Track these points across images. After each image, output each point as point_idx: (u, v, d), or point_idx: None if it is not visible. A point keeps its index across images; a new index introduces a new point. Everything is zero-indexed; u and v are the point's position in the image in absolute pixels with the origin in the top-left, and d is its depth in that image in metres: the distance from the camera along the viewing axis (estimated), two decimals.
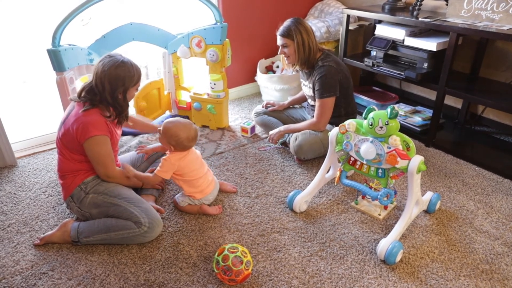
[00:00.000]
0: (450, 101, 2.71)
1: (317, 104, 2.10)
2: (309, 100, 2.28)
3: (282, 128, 2.26)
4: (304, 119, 2.38)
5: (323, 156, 2.20)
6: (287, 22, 2.06)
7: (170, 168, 1.69)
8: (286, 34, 2.05)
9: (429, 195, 1.79)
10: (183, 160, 1.70)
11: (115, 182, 1.68)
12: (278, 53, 2.17)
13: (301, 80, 2.30)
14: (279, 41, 2.09)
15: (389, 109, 1.48)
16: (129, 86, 1.59)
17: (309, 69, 2.13)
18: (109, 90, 1.55)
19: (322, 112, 2.09)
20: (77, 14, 1.94)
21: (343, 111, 2.18)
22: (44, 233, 1.68)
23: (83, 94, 1.59)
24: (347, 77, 2.11)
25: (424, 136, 2.44)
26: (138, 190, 1.87)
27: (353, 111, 2.23)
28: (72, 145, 1.59)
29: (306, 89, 2.24)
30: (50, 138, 2.41)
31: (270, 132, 2.29)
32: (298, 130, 2.18)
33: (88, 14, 2.32)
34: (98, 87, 1.55)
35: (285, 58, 2.15)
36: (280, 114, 2.47)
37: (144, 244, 1.62)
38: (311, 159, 2.23)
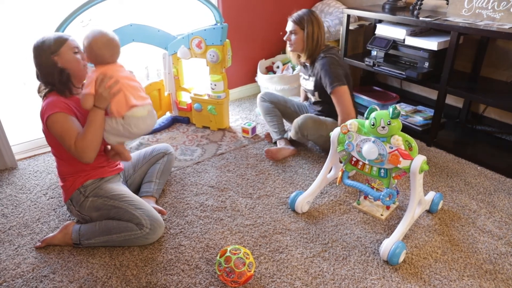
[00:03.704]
0: (451, 100, 2.70)
1: (333, 98, 2.02)
2: (310, 96, 2.26)
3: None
4: None
5: (324, 147, 2.18)
6: (302, 11, 2.06)
7: (91, 81, 1.47)
8: (298, 22, 2.04)
9: (431, 195, 1.79)
10: (105, 71, 1.49)
11: (89, 150, 1.49)
12: (284, 38, 2.14)
13: (301, 74, 2.28)
14: (289, 26, 2.08)
15: (391, 109, 1.47)
16: (54, 50, 1.49)
17: (311, 63, 2.12)
18: (45, 68, 1.51)
19: (342, 103, 2.00)
20: (77, 15, 1.94)
21: None
22: (45, 236, 1.67)
23: (41, 89, 1.58)
24: (348, 74, 2.09)
25: (425, 135, 2.43)
26: (138, 192, 1.87)
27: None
28: (50, 138, 1.57)
29: (306, 83, 2.21)
30: None
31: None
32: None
33: (88, 15, 2.32)
34: (39, 75, 1.54)
35: (288, 45, 2.13)
36: (285, 108, 2.41)
37: (145, 246, 1.61)
38: (308, 160, 2.22)
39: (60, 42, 1.51)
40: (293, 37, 2.08)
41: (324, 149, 2.29)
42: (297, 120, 2.14)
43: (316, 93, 2.16)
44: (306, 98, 2.45)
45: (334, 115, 2.16)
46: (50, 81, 1.53)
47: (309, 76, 2.18)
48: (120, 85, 1.50)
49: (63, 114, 1.49)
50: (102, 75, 1.47)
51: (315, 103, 2.26)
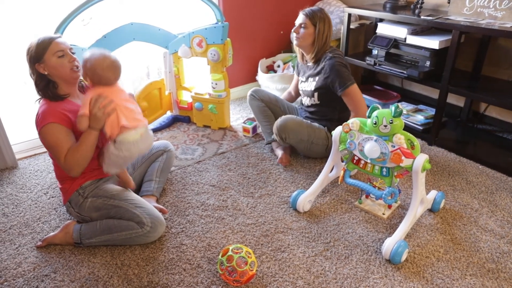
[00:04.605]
0: (453, 99, 2.70)
1: (345, 98, 2.01)
2: (304, 99, 2.21)
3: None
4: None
5: (305, 152, 2.15)
6: (315, 7, 2.04)
7: (86, 102, 1.46)
8: (310, 16, 2.01)
9: (433, 193, 1.78)
10: (102, 92, 1.48)
11: (77, 167, 1.50)
12: (293, 30, 2.09)
13: (300, 77, 2.24)
14: (300, 19, 2.04)
15: (393, 108, 1.47)
16: (38, 58, 1.47)
17: (315, 62, 2.10)
18: (33, 76, 1.52)
19: (355, 100, 1.99)
20: (78, 14, 1.94)
21: (337, 115, 2.13)
22: (46, 235, 1.66)
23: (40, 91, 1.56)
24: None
25: (426, 134, 2.43)
26: (139, 191, 1.86)
27: (348, 118, 2.10)
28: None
29: (305, 84, 2.17)
30: None
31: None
32: None
33: (88, 14, 2.31)
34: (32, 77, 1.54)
35: (295, 38, 2.08)
36: (275, 107, 2.37)
37: (147, 245, 1.61)
38: (307, 161, 2.21)
39: (43, 48, 1.47)
40: (302, 30, 2.03)
41: (307, 156, 2.24)
42: (277, 122, 2.08)
43: (315, 94, 2.11)
44: (293, 99, 2.43)
45: (326, 120, 2.14)
46: (40, 89, 1.53)
47: (308, 77, 2.14)
48: (114, 105, 1.48)
49: (57, 126, 1.47)
50: (97, 95, 1.46)
51: (309, 106, 2.20)
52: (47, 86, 1.52)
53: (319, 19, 2.00)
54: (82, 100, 1.50)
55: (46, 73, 1.50)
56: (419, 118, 2.52)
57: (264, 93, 2.39)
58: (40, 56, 1.47)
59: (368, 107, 1.58)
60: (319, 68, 2.06)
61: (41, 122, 1.48)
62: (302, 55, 2.18)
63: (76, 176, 1.55)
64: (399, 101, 2.81)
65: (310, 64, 2.14)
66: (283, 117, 2.08)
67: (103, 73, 1.47)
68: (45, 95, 1.53)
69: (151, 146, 1.67)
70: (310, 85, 2.13)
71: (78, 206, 1.62)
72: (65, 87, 1.55)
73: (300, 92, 2.27)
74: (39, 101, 1.56)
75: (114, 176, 1.74)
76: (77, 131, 1.52)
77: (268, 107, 2.37)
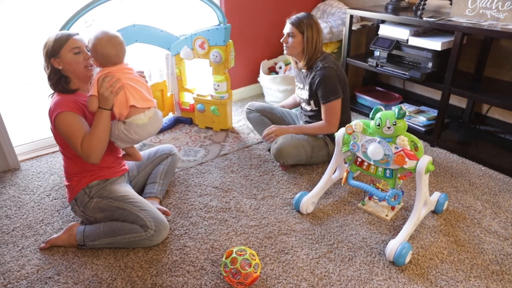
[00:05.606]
0: (455, 100, 2.70)
1: (324, 108, 2.02)
2: (303, 105, 2.20)
3: (291, 128, 2.12)
4: (294, 124, 2.33)
5: (306, 164, 2.16)
6: (301, 14, 2.01)
7: (94, 83, 1.47)
8: (297, 25, 1.98)
9: (436, 195, 1.78)
10: (109, 71, 1.49)
11: (95, 152, 1.49)
12: (281, 40, 2.06)
13: (296, 83, 2.24)
14: (287, 28, 2.02)
15: (396, 109, 1.47)
16: (54, 53, 1.49)
17: (307, 70, 2.08)
18: (47, 70, 1.54)
19: (331, 114, 2.02)
20: (81, 16, 1.94)
21: None
22: (49, 237, 1.66)
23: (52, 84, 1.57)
24: (346, 82, 2.06)
25: (428, 136, 2.42)
26: (142, 192, 1.86)
27: (346, 120, 2.11)
28: (58, 137, 1.57)
29: (302, 92, 2.16)
30: (53, 141, 2.38)
31: (271, 127, 2.13)
32: (309, 132, 2.09)
33: (91, 16, 2.31)
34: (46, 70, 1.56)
35: (284, 47, 2.07)
36: (272, 115, 2.38)
37: (150, 247, 1.60)
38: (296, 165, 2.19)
39: (60, 43, 1.50)
40: (290, 39, 2.02)
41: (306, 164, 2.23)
42: (272, 149, 2.07)
43: (312, 102, 2.10)
44: (293, 106, 2.42)
45: None
46: (52, 83, 1.55)
47: (304, 85, 2.13)
48: (121, 84, 1.49)
49: (71, 113, 1.49)
50: (103, 75, 1.47)
51: (308, 111, 2.18)
52: (59, 80, 1.54)
53: (306, 26, 1.97)
54: (91, 81, 1.52)
55: (60, 68, 1.52)
56: (421, 119, 2.52)
57: (258, 105, 2.42)
58: (56, 51, 1.50)
59: (370, 108, 1.58)
60: (311, 77, 2.04)
61: (54, 111, 1.49)
62: (296, 62, 2.16)
63: (95, 162, 1.53)
64: (401, 103, 2.81)
65: (304, 71, 2.12)
66: (279, 142, 2.05)
67: (102, 49, 1.47)
68: (56, 89, 1.55)
69: (159, 128, 1.68)
70: (305, 93, 2.13)
71: (83, 205, 1.62)
72: (77, 82, 1.58)
73: (298, 98, 2.27)
74: (52, 96, 1.58)
75: (121, 177, 1.74)
76: (90, 119, 1.53)
77: (265, 116, 2.38)
